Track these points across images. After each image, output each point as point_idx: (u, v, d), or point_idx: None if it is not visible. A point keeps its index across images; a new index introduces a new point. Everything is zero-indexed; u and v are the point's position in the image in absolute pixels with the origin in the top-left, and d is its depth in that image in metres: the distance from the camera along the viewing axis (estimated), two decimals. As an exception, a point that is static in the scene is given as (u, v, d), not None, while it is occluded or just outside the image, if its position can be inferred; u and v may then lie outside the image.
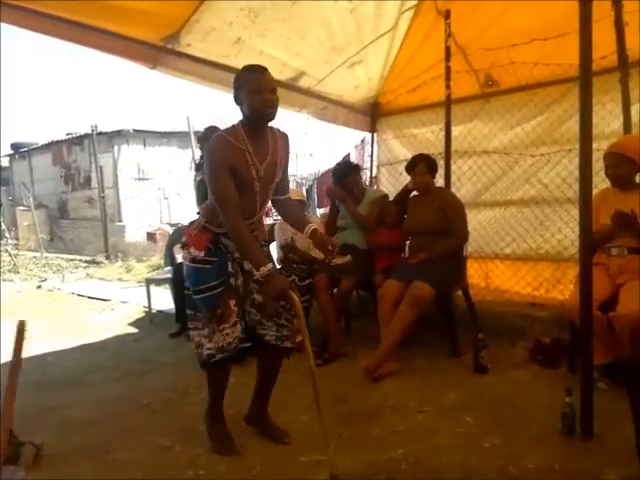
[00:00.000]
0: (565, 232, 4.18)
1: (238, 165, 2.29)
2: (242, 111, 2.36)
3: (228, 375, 2.55)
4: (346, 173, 4.25)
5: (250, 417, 2.72)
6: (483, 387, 3.14)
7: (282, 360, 2.61)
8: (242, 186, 2.31)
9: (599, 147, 3.26)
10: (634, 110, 3.71)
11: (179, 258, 4.42)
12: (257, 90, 2.28)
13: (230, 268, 2.42)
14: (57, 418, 3.06)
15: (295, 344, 2.50)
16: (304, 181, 12.54)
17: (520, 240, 4.53)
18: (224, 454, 2.49)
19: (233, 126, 2.37)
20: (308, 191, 10.84)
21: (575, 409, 2.43)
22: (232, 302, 2.39)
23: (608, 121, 3.83)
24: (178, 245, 4.31)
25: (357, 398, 3.08)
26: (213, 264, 2.38)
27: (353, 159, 7.82)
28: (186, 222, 2.72)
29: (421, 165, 3.81)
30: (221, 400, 2.59)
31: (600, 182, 3.31)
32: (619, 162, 3.08)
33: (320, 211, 9.67)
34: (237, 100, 2.37)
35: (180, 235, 4.16)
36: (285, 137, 2.54)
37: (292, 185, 12.16)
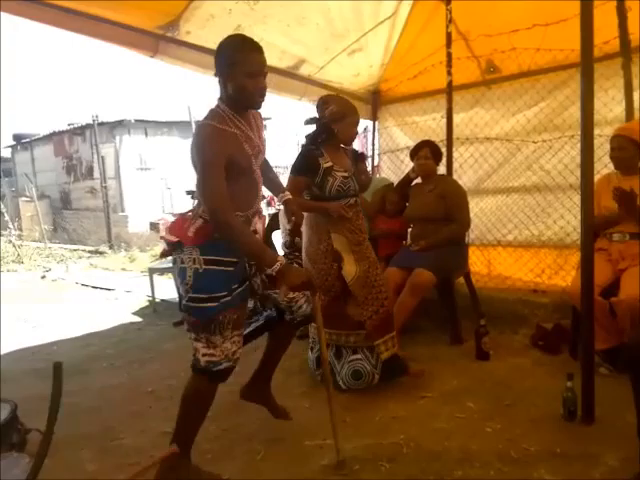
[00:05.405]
0: (567, 218, 4.18)
1: (235, 153, 2.04)
2: (225, 89, 2.08)
3: (213, 397, 2.16)
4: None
5: (250, 392, 2.54)
6: (485, 373, 3.15)
7: (295, 330, 2.50)
8: (241, 173, 2.07)
9: (601, 133, 3.27)
10: (636, 96, 3.70)
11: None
12: (254, 75, 2.02)
13: (247, 268, 2.17)
14: (62, 405, 3.07)
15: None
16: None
17: (522, 227, 4.54)
18: None
19: (216, 110, 2.10)
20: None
21: (576, 394, 2.44)
22: (245, 307, 2.19)
23: (610, 107, 3.81)
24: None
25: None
26: (233, 265, 2.09)
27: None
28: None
29: (425, 150, 3.80)
30: (195, 435, 2.19)
31: (602, 168, 3.32)
32: (625, 145, 3.09)
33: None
34: (222, 75, 2.07)
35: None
36: (259, 113, 2.27)
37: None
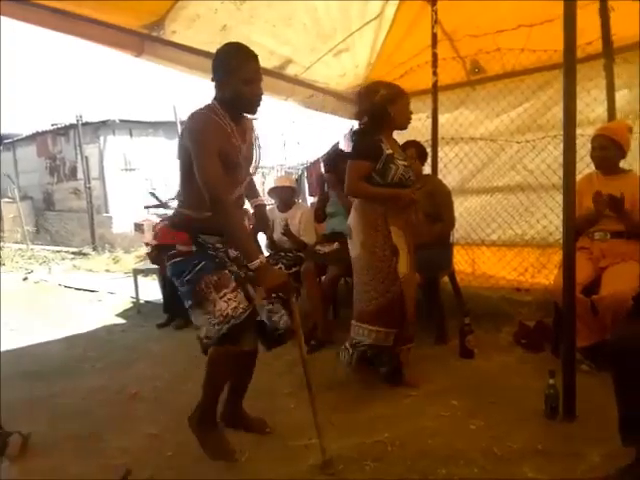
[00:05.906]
0: (550, 218, 4.23)
1: (225, 147, 2.13)
2: (222, 93, 2.18)
3: (235, 362, 2.27)
4: (338, 161, 4.24)
5: (225, 419, 2.55)
6: (469, 371, 3.18)
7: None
8: (226, 166, 2.15)
9: (583, 133, 3.29)
10: (618, 96, 3.74)
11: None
12: (252, 82, 2.14)
13: (217, 260, 2.24)
14: (46, 408, 3.05)
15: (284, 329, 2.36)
16: (293, 170, 12.48)
17: (506, 226, 4.58)
18: (225, 460, 2.30)
19: (213, 106, 2.18)
20: (298, 180, 10.79)
21: (558, 391, 2.47)
22: (226, 272, 2.22)
23: (593, 107, 3.87)
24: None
25: (345, 384, 3.10)
26: (197, 253, 2.22)
27: (342, 148, 7.80)
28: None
29: (411, 150, 3.81)
30: (218, 398, 2.33)
31: (584, 168, 3.35)
32: (606, 145, 3.12)
33: (311, 200, 9.65)
34: (219, 81, 2.19)
35: None
36: (251, 122, 2.38)
37: (281, 174, 12.09)
